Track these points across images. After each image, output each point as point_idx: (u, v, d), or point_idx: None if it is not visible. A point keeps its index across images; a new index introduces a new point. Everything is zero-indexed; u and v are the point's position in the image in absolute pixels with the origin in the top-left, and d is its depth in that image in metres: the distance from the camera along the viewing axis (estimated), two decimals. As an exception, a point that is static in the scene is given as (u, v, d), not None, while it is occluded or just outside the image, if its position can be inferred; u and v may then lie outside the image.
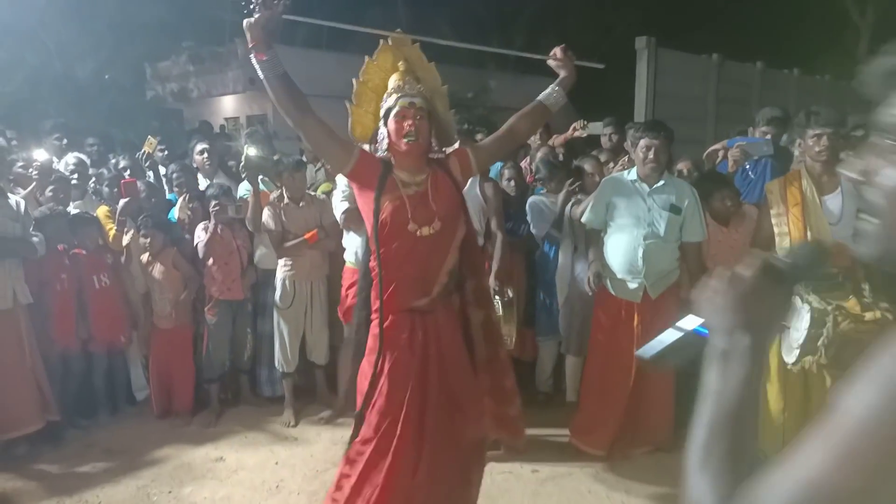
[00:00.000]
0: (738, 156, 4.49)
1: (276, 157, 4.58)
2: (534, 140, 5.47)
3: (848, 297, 2.76)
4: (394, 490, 2.42)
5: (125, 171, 5.19)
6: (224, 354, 4.50)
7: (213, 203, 4.36)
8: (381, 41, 2.55)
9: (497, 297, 3.56)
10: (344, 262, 4.19)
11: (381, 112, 2.49)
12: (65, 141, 5.43)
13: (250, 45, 2.26)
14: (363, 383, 2.55)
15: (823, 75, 10.44)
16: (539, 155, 5.27)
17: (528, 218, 4.37)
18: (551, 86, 2.62)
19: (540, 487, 3.50)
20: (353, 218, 3.77)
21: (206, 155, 5.09)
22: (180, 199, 4.76)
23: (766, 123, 4.67)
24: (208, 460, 3.86)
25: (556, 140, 6.23)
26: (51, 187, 4.38)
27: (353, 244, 4.07)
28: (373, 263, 2.51)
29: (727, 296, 0.84)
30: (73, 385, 4.26)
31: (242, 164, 4.36)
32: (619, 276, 3.61)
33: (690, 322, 0.93)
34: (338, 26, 2.51)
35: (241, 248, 4.43)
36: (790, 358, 2.82)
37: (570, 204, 4.21)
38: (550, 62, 2.61)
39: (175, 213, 4.75)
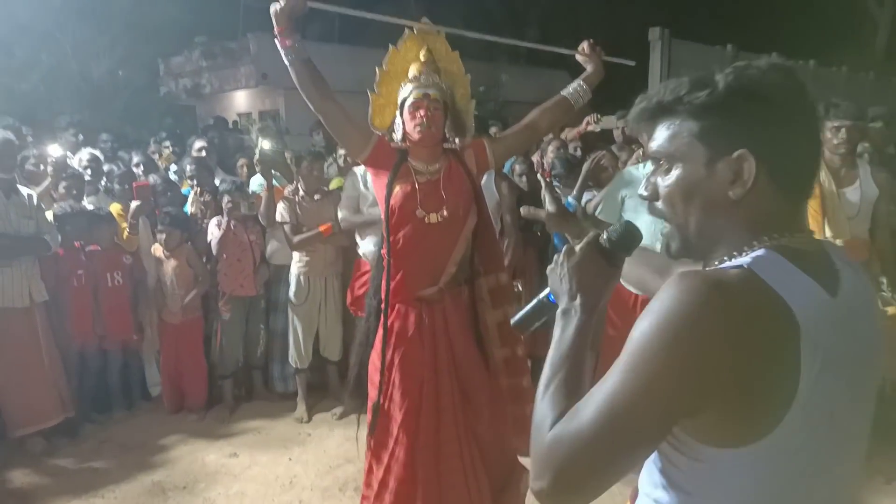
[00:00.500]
0: None
1: (287, 154, 4.59)
2: (546, 134, 5.43)
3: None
4: (419, 481, 2.44)
5: (137, 166, 5.23)
6: (237, 350, 4.52)
7: (226, 199, 4.37)
8: (407, 30, 2.56)
9: None
10: (357, 256, 4.19)
11: (398, 101, 2.50)
12: (80, 136, 5.46)
13: (276, 31, 2.32)
14: (374, 375, 2.56)
15: (840, 67, 10.29)
16: (550, 148, 5.23)
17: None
18: (576, 81, 2.56)
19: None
20: (348, 228, 3.93)
21: (204, 153, 5.11)
22: (192, 193, 4.78)
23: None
24: (222, 456, 3.88)
25: (569, 134, 6.18)
26: (64, 183, 4.41)
27: (368, 239, 4.08)
28: (384, 251, 2.53)
29: (563, 266, 1.07)
30: (89, 381, 4.30)
31: (257, 157, 4.36)
32: None
33: (545, 292, 1.14)
34: (361, 15, 2.47)
35: (254, 245, 4.44)
36: None
37: (584, 198, 4.17)
38: (578, 57, 2.56)
39: (188, 207, 4.77)
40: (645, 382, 0.84)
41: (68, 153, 5.01)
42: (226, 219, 4.39)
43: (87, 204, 4.50)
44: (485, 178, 3.73)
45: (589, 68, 2.55)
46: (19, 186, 3.98)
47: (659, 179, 1.00)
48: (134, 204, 4.41)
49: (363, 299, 3.23)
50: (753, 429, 0.84)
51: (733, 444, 0.86)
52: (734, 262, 0.92)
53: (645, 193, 1.03)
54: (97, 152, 5.06)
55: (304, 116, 6.34)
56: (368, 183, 4.05)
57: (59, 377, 4.01)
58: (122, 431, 4.21)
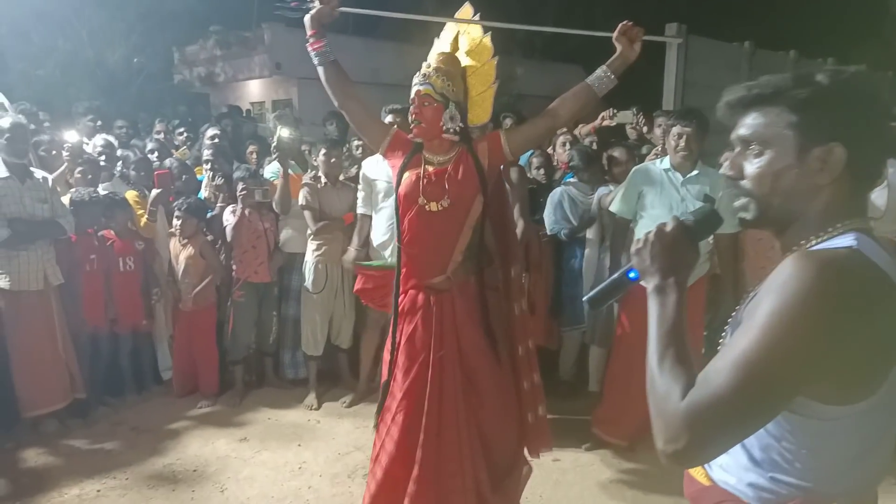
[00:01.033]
0: None
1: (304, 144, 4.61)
2: (558, 127, 5.42)
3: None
4: (415, 461, 2.48)
5: (151, 153, 5.26)
6: (249, 336, 4.55)
7: (240, 186, 4.39)
8: (448, 23, 2.64)
9: None
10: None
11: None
12: (98, 122, 5.50)
13: (308, 35, 2.47)
14: (387, 356, 2.66)
15: (860, 65, 10.17)
16: (559, 142, 5.21)
17: (546, 211, 4.32)
18: (602, 67, 2.45)
19: (561, 477, 3.49)
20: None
21: (217, 140, 5.13)
22: (206, 177, 4.80)
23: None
24: (232, 441, 3.91)
25: (583, 129, 6.16)
26: (79, 169, 4.45)
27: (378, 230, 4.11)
28: (396, 240, 2.62)
29: (657, 246, 1.16)
30: (101, 364, 4.34)
31: (274, 145, 4.38)
32: None
33: (625, 269, 1.23)
34: (394, 16, 2.59)
35: (268, 232, 4.47)
36: None
37: (599, 193, 4.17)
38: (614, 39, 2.44)
39: (202, 192, 4.80)
40: (781, 350, 0.96)
41: (84, 139, 5.04)
42: (240, 206, 4.41)
43: (102, 190, 4.54)
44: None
45: (620, 50, 2.43)
46: (33, 170, 4.01)
47: (747, 161, 1.14)
48: (154, 192, 4.44)
49: (372, 291, 3.27)
50: (866, 388, 1.00)
51: (848, 402, 1.01)
52: (834, 242, 1.05)
53: (730, 172, 1.16)
54: (112, 138, 5.08)
55: (318, 106, 6.37)
56: (371, 174, 4.08)
57: (72, 360, 4.05)
58: (133, 414, 4.25)
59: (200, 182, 4.98)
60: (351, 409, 4.30)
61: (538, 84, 14.25)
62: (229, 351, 4.53)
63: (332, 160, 4.33)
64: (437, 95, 2.48)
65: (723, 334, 1.23)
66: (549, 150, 5.45)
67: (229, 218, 4.44)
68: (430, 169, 2.53)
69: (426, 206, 2.50)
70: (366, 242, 4.19)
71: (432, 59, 2.57)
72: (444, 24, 2.68)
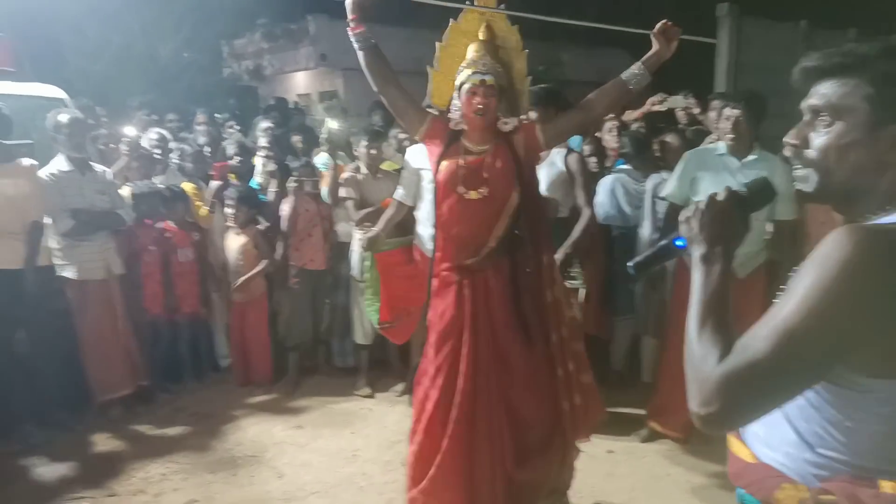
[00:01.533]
0: None
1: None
2: (605, 113, 5.32)
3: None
4: (447, 435, 2.55)
5: (205, 146, 5.39)
6: (305, 324, 4.63)
7: (290, 179, 4.46)
8: (467, 2, 2.65)
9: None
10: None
11: (456, 83, 2.60)
12: (152, 116, 5.65)
13: (349, 19, 2.50)
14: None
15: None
16: (606, 128, 5.12)
17: (597, 199, 4.24)
18: (636, 63, 2.51)
19: (614, 468, 3.47)
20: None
21: (271, 130, 5.22)
22: (259, 164, 4.89)
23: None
24: (287, 427, 4.00)
25: (631, 115, 6.03)
26: (136, 163, 4.58)
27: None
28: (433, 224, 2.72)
29: (707, 215, 1.14)
30: (161, 352, 4.48)
31: (324, 136, 4.43)
32: None
33: (671, 236, 1.23)
34: (430, 2, 2.58)
35: (324, 220, 4.54)
36: None
37: (653, 181, 4.09)
38: (652, 36, 2.48)
39: (255, 179, 4.90)
40: (821, 316, 0.95)
41: (138, 132, 5.19)
42: (292, 197, 4.48)
43: (158, 182, 4.67)
44: (553, 154, 3.71)
45: (655, 47, 2.47)
46: (92, 164, 4.15)
47: (815, 131, 1.09)
48: (213, 183, 4.56)
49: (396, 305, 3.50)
50: None
51: (891, 375, 0.99)
52: (892, 218, 1.02)
53: (794, 141, 1.13)
54: (165, 132, 5.22)
55: (363, 97, 6.40)
56: (416, 164, 4.08)
57: (134, 347, 4.20)
58: (193, 401, 4.39)
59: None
60: (403, 398, 4.34)
61: (584, 70, 14.03)
62: (284, 338, 4.63)
63: (373, 151, 4.36)
64: (497, 86, 2.55)
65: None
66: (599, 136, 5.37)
67: (285, 207, 4.52)
68: (470, 158, 2.61)
69: (465, 195, 2.57)
70: (390, 229, 4.16)
71: (478, 49, 2.60)
72: (464, 9, 2.69)
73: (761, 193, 1.19)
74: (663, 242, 1.26)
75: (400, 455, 3.61)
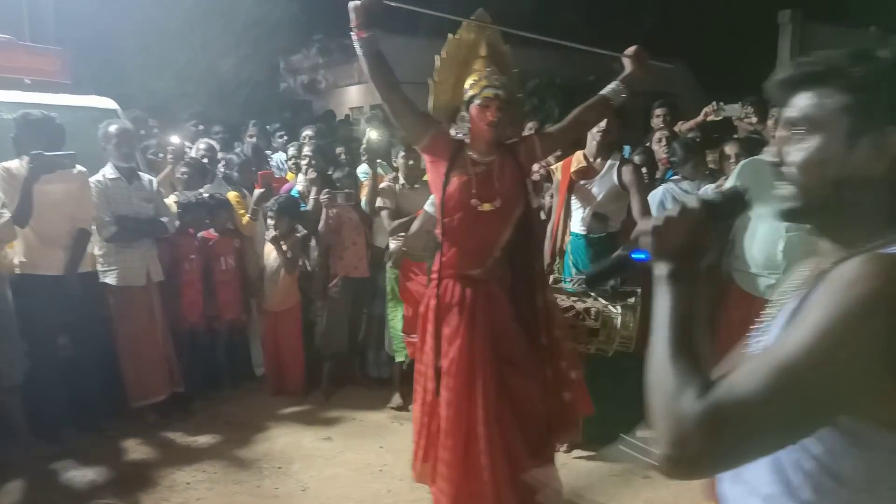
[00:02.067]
0: None
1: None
2: (656, 123, 5.14)
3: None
4: (453, 438, 2.59)
5: (248, 159, 5.46)
6: (342, 333, 4.59)
7: (324, 191, 4.44)
8: (465, 21, 2.73)
9: (618, 298, 3.32)
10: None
11: (465, 95, 2.65)
12: (200, 126, 5.78)
13: (353, 25, 2.53)
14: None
15: None
16: (656, 138, 4.94)
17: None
18: (615, 81, 2.76)
19: (654, 494, 3.27)
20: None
21: (313, 139, 5.26)
22: (301, 174, 4.91)
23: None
24: (317, 439, 3.95)
25: (683, 126, 5.81)
26: (183, 171, 4.66)
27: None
28: (438, 231, 2.73)
29: (677, 226, 1.00)
30: (198, 359, 4.51)
31: (364, 146, 4.43)
32: (753, 270, 3.25)
33: (628, 248, 1.10)
34: (443, 17, 2.68)
35: (367, 228, 4.51)
36: None
37: (704, 191, 3.88)
38: (623, 59, 2.74)
39: (297, 187, 4.92)
40: (836, 357, 0.83)
41: (187, 143, 5.29)
42: (324, 211, 4.48)
43: (205, 192, 4.74)
44: (608, 167, 3.64)
45: (628, 70, 2.72)
46: (140, 173, 4.23)
47: (793, 146, 1.00)
48: (257, 191, 4.61)
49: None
50: None
51: None
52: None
53: (775, 158, 1.04)
54: (213, 142, 5.31)
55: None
56: None
57: (171, 354, 4.24)
58: (228, 409, 4.39)
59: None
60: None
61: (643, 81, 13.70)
62: (321, 347, 4.60)
63: (411, 162, 4.33)
64: (507, 100, 2.62)
65: (758, 337, 1.07)
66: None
67: (328, 215, 4.50)
68: (479, 170, 2.66)
69: (479, 206, 2.61)
70: (424, 238, 4.09)
71: (485, 64, 2.67)
72: (460, 21, 2.76)
73: (733, 203, 1.07)
74: (620, 254, 1.15)
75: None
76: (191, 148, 5.23)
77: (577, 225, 3.78)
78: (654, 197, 4.11)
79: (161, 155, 4.85)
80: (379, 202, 4.31)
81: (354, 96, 16.48)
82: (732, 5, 13.52)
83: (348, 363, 4.79)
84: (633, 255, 1.09)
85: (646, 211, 3.63)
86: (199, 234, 4.51)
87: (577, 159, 3.76)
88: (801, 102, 0.99)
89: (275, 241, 4.52)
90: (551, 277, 3.58)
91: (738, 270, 3.34)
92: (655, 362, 0.94)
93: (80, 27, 7.49)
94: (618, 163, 3.71)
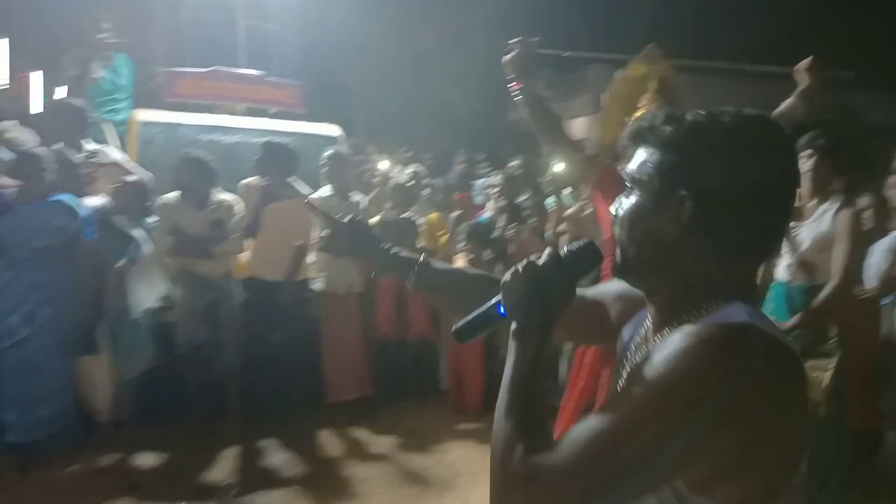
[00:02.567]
0: None
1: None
2: None
3: None
4: None
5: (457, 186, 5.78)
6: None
7: (510, 226, 4.53)
8: (637, 57, 2.73)
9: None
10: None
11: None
12: (410, 153, 6.25)
13: (508, 77, 2.69)
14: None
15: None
16: (891, 180, 4.19)
17: (869, 260, 3.46)
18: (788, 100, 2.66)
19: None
20: None
21: (512, 170, 5.39)
22: (491, 202, 5.07)
23: None
24: (486, 457, 3.96)
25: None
26: (390, 193, 5.08)
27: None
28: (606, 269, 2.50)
29: (524, 279, 0.98)
30: (387, 368, 4.84)
31: (549, 177, 4.46)
32: None
33: (494, 301, 1.06)
34: (590, 56, 2.95)
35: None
36: None
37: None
38: (796, 74, 2.65)
39: (486, 213, 5.09)
40: (667, 426, 0.82)
41: (396, 167, 5.76)
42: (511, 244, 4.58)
43: (410, 213, 5.10)
44: (822, 210, 3.18)
45: (804, 83, 2.62)
46: (351, 194, 4.71)
47: (623, 200, 1.02)
48: (452, 215, 4.88)
49: None
50: (785, 476, 0.86)
51: (766, 493, 0.85)
52: (725, 315, 0.89)
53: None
54: (421, 167, 5.71)
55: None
56: None
57: (364, 359, 4.62)
58: (409, 417, 4.63)
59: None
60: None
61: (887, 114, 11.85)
62: (498, 370, 4.65)
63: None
64: None
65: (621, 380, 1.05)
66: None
67: (513, 246, 4.60)
68: None
69: None
70: None
71: (653, 98, 2.62)
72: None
73: (584, 257, 1.03)
74: (486, 307, 1.08)
75: None
76: (400, 171, 5.66)
77: (781, 271, 3.35)
78: (883, 245, 3.49)
79: (375, 179, 5.33)
80: (560, 227, 4.29)
81: (579, 127, 16.51)
82: None
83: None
84: (499, 309, 1.04)
85: (848, 264, 3.10)
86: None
87: None
88: (634, 159, 1.00)
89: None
90: None
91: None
92: (496, 417, 0.94)
93: (314, 60, 8.59)
94: (836, 207, 3.22)
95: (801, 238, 3.27)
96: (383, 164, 5.48)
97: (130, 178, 4.07)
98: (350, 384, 4.53)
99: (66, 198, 3.69)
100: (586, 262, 1.04)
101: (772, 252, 0.99)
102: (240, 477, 3.67)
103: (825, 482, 2.69)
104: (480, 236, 4.76)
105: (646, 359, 0.89)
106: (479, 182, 6.19)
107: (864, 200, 3.86)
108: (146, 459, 3.78)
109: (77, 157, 3.99)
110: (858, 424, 3.32)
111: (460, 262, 4.84)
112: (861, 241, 3.29)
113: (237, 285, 4.43)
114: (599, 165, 2.68)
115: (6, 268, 3.56)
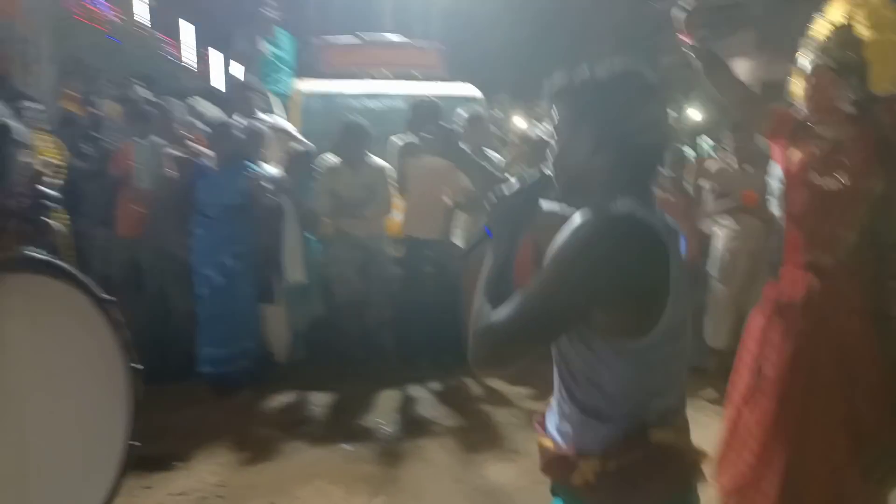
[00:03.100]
0: None
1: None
2: None
3: None
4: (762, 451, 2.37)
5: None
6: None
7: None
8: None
9: None
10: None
11: (804, 68, 2.43)
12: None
13: (680, 35, 2.52)
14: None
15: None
16: None
17: None
18: None
19: None
20: None
21: None
22: None
23: None
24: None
25: None
26: (525, 150, 5.19)
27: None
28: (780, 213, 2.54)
29: (497, 208, 1.39)
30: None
31: (682, 127, 4.38)
32: None
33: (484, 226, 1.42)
34: None
35: (690, 210, 4.47)
36: None
37: None
38: None
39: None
40: (564, 286, 1.22)
41: (534, 123, 5.85)
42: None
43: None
44: None
45: None
46: (486, 151, 4.85)
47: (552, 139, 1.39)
48: None
49: None
50: (641, 327, 1.23)
51: (626, 338, 1.24)
52: (615, 204, 1.25)
53: (547, 139, 1.43)
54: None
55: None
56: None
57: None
58: (545, 369, 4.79)
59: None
60: (716, 407, 4.00)
61: None
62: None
63: (739, 142, 4.18)
64: (836, 67, 2.33)
65: None
66: None
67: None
68: (824, 146, 2.39)
69: (822, 186, 2.37)
70: None
71: (823, 29, 2.40)
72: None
73: (539, 185, 1.37)
74: (481, 230, 1.42)
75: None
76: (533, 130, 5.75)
77: None
78: None
79: (512, 136, 5.46)
80: (701, 182, 4.22)
81: (739, 67, 15.49)
82: None
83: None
84: (486, 230, 1.39)
85: None
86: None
87: None
88: (554, 112, 1.37)
89: None
90: None
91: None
92: (475, 296, 1.31)
93: (455, 23, 8.72)
94: None
95: None
96: (520, 122, 5.57)
97: (298, 146, 4.54)
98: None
99: (249, 162, 4.24)
100: (541, 188, 1.38)
101: (649, 164, 1.34)
102: (393, 420, 4.05)
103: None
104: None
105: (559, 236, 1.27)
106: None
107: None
108: (314, 398, 4.29)
109: (256, 127, 4.52)
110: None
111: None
112: None
113: (389, 244, 4.80)
114: (773, 111, 2.52)
115: (201, 225, 4.18)
